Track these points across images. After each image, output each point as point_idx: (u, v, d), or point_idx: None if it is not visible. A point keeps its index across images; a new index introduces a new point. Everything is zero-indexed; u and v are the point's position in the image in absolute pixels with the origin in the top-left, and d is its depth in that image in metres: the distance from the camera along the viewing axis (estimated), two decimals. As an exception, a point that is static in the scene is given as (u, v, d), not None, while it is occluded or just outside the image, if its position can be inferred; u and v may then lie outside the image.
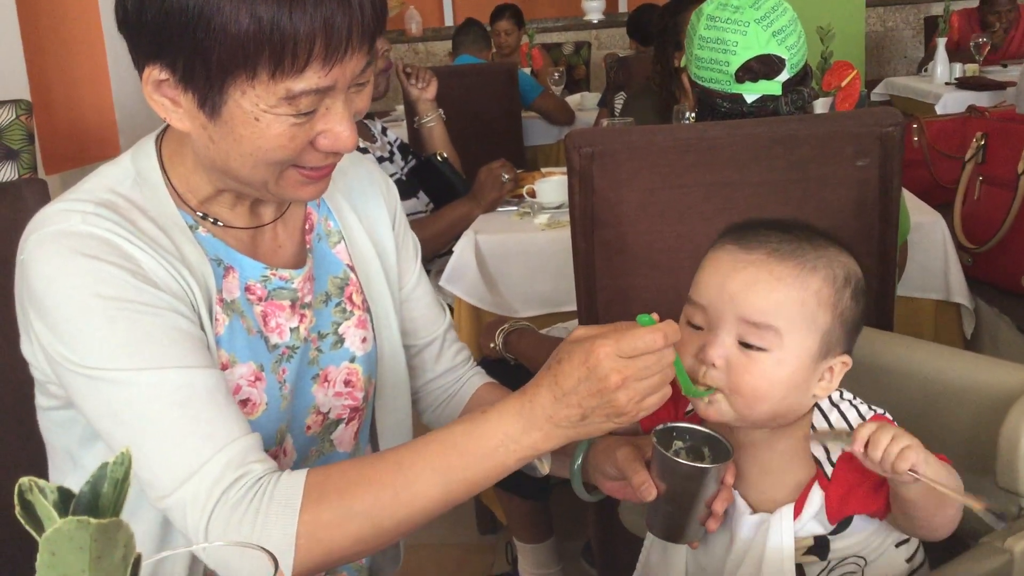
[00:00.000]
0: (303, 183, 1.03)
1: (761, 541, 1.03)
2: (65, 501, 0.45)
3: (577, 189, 1.53)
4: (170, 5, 0.91)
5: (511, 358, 2.05)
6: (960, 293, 2.31)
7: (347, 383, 1.18)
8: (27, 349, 1.05)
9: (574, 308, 1.64)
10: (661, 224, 1.56)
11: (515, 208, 2.67)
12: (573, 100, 5.15)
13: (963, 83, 4.70)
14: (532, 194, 2.64)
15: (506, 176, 2.66)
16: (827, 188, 1.53)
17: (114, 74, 5.37)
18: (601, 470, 1.11)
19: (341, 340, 1.18)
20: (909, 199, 2.30)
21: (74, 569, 0.43)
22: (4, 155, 3.01)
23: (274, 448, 1.11)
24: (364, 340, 1.20)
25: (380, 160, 2.71)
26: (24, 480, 0.45)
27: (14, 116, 3.00)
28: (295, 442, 1.15)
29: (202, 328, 1.02)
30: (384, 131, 2.90)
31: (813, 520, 1.03)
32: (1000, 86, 4.53)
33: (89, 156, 5.34)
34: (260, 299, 1.11)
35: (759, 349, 0.99)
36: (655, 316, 0.93)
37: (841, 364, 1.04)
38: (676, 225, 1.56)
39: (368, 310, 1.21)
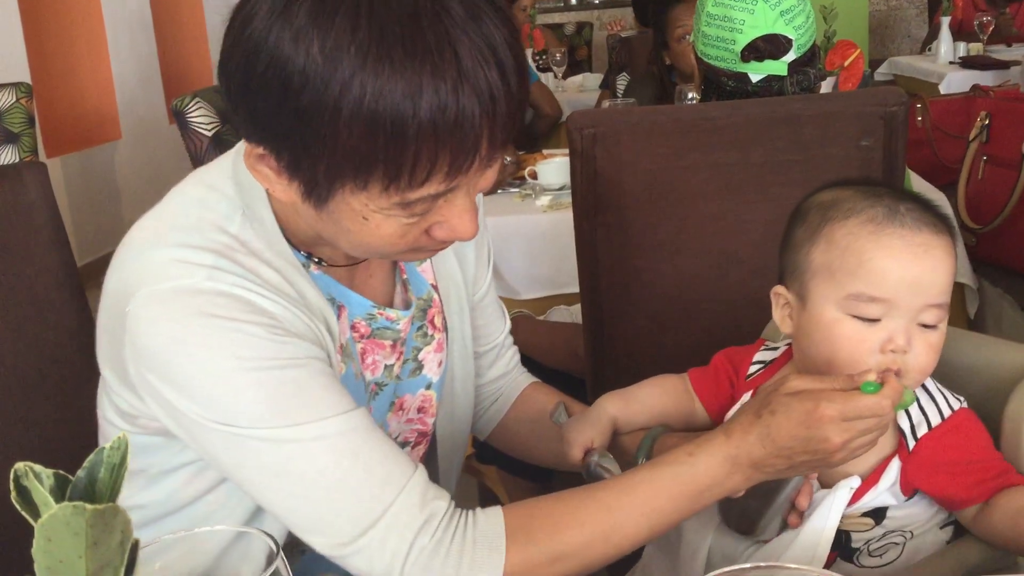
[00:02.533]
0: (418, 253, 0.97)
1: (813, 511, 1.02)
2: (61, 487, 0.44)
3: (579, 170, 1.53)
4: (279, 100, 0.82)
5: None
6: (964, 273, 2.31)
7: (420, 409, 1.15)
8: (118, 392, 0.99)
9: (576, 290, 1.64)
10: (664, 205, 1.56)
11: (516, 190, 2.66)
12: (575, 81, 5.13)
13: (967, 62, 4.67)
14: (533, 176, 2.62)
15: (507, 158, 2.64)
16: (831, 168, 1.53)
17: (114, 57, 5.35)
18: None
19: (420, 367, 1.13)
20: (914, 179, 2.29)
21: (70, 554, 0.43)
22: (4, 138, 3.00)
23: None
24: (440, 364, 1.15)
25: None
26: (20, 465, 0.45)
27: (14, 99, 2.99)
28: None
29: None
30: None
31: (887, 492, 1.02)
32: (1004, 65, 4.50)
33: (90, 139, 5.33)
34: (363, 336, 1.06)
35: (932, 326, 0.98)
36: (874, 378, 0.92)
37: None
38: (679, 206, 1.56)
39: (446, 329, 1.16)
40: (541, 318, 2.17)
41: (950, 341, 1.22)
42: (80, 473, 0.45)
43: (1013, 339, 1.22)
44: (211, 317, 0.89)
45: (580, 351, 1.71)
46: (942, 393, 1.04)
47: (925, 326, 0.98)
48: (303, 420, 0.90)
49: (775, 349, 1.15)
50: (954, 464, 1.00)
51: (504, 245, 2.42)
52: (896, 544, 1.04)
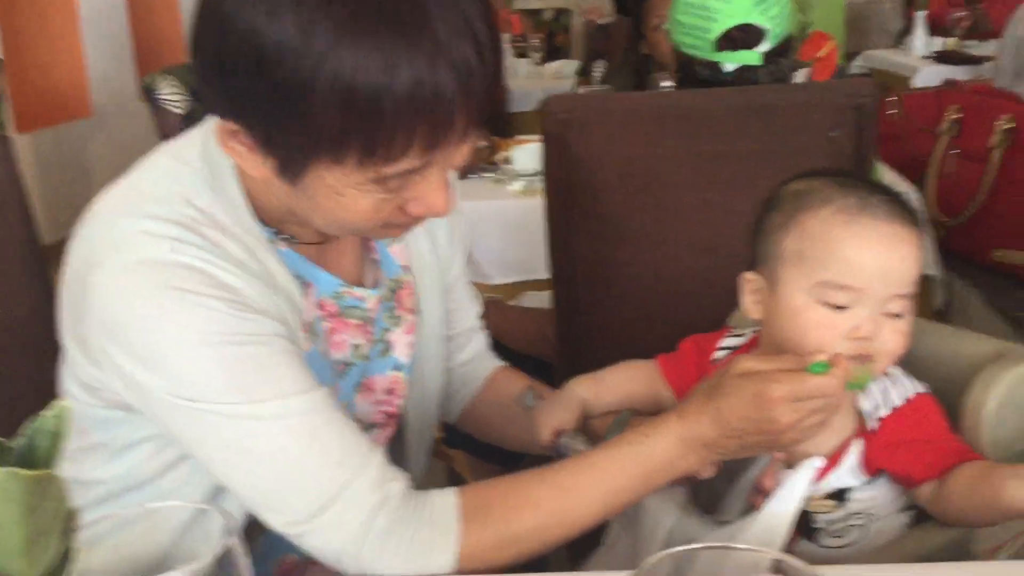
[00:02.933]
0: (391, 230, 0.97)
1: (773, 493, 1.02)
2: (2, 453, 0.44)
3: (552, 156, 1.53)
4: (253, 74, 0.81)
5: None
6: (931, 265, 2.33)
7: (389, 391, 1.14)
8: (80, 363, 0.97)
9: (547, 276, 1.64)
10: (636, 192, 1.56)
11: (490, 175, 2.66)
12: (552, 67, 5.12)
13: (942, 57, 4.71)
14: (507, 161, 2.62)
15: (481, 143, 2.64)
16: (802, 157, 1.53)
17: (86, 33, 5.29)
18: None
19: (389, 348, 1.12)
20: (884, 172, 2.31)
21: (7, 520, 0.42)
22: (-27, 113, 2.96)
23: None
24: (410, 346, 1.15)
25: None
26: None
27: (-17, 74, 2.95)
28: None
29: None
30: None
31: (848, 473, 1.04)
32: (978, 60, 4.54)
33: (61, 116, 5.27)
34: (331, 315, 1.05)
35: (898, 315, 1.00)
36: (825, 359, 0.93)
37: None
38: (651, 193, 1.56)
39: (417, 311, 1.15)
40: (512, 303, 2.18)
41: (915, 332, 1.24)
42: (19, 439, 0.45)
43: (979, 331, 1.24)
44: (174, 290, 0.89)
45: (550, 336, 1.72)
46: (903, 378, 1.06)
47: (891, 315, 0.99)
48: (263, 397, 0.90)
49: (741, 336, 1.16)
50: (914, 442, 1.02)
51: (477, 230, 2.41)
52: (857, 526, 1.06)
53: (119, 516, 0.61)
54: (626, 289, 1.60)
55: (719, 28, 1.66)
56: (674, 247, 1.58)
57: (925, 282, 2.37)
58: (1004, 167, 2.35)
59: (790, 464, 1.03)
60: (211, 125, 0.95)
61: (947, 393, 1.13)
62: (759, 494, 1.02)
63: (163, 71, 2.19)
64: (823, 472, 1.02)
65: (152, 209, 0.92)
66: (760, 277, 1.05)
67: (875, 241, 0.98)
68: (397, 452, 1.21)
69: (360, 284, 1.09)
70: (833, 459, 1.03)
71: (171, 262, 0.89)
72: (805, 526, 1.04)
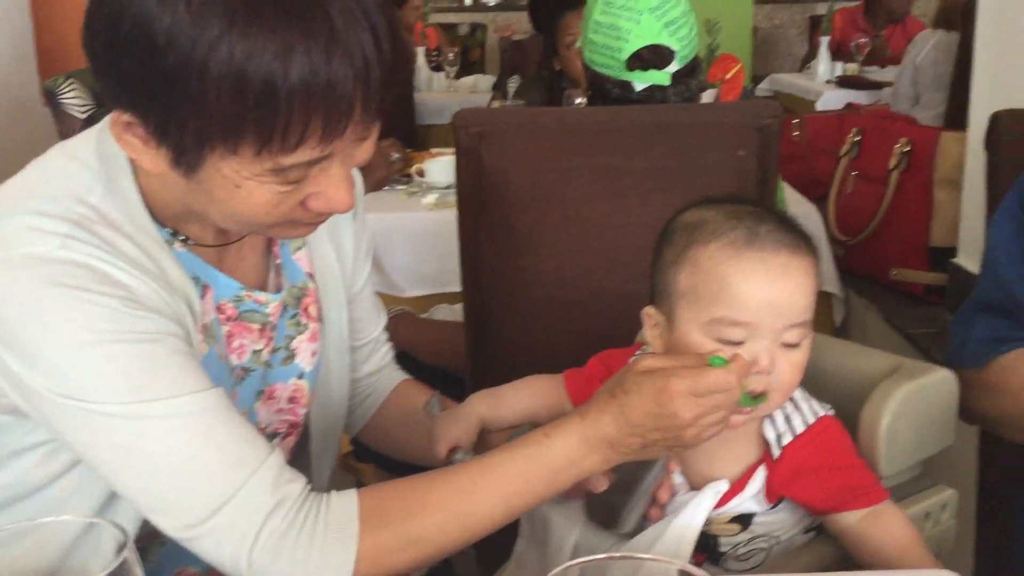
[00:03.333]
0: (294, 228, 0.95)
1: (679, 513, 1.03)
2: None
3: (464, 168, 1.53)
4: (145, 60, 0.79)
5: (395, 347, 2.03)
6: (831, 283, 2.40)
7: (291, 399, 1.12)
8: None
9: (459, 288, 1.64)
10: (546, 206, 1.57)
11: (403, 187, 2.65)
12: (467, 82, 5.13)
13: (843, 81, 4.87)
14: (421, 174, 2.62)
15: (395, 155, 2.63)
16: (708, 175, 1.57)
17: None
18: None
19: (292, 355, 1.11)
20: (787, 192, 2.37)
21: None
22: None
23: None
24: (314, 354, 1.13)
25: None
26: None
27: None
28: None
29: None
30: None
31: (751, 500, 1.04)
32: (877, 86, 4.71)
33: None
34: (229, 319, 1.03)
35: (795, 345, 0.99)
36: (725, 355, 0.94)
37: None
38: (561, 207, 1.57)
39: (321, 319, 1.14)
40: (424, 316, 2.17)
41: (815, 347, 1.27)
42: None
43: (876, 347, 1.28)
44: (63, 287, 0.86)
45: (462, 350, 1.72)
46: (807, 402, 1.07)
47: (788, 345, 0.99)
48: (155, 396, 0.88)
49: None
50: (815, 470, 1.03)
51: (389, 242, 2.40)
52: (762, 549, 1.07)
53: (5, 530, 0.58)
54: (534, 301, 1.61)
55: (629, 48, 1.68)
56: (581, 259, 1.59)
57: (825, 299, 2.43)
58: (901, 189, 2.44)
59: (695, 487, 1.04)
60: (107, 123, 0.92)
61: (846, 407, 1.16)
62: (655, 505, 1.02)
63: (66, 75, 2.13)
64: (727, 497, 1.03)
65: (41, 206, 0.89)
66: (659, 312, 1.05)
67: (762, 275, 0.97)
68: (301, 463, 1.18)
69: (263, 289, 1.08)
70: (737, 485, 1.04)
71: (61, 259, 0.87)
72: (711, 550, 1.05)
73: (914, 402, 1.12)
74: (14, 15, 5.52)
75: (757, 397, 0.99)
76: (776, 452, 1.04)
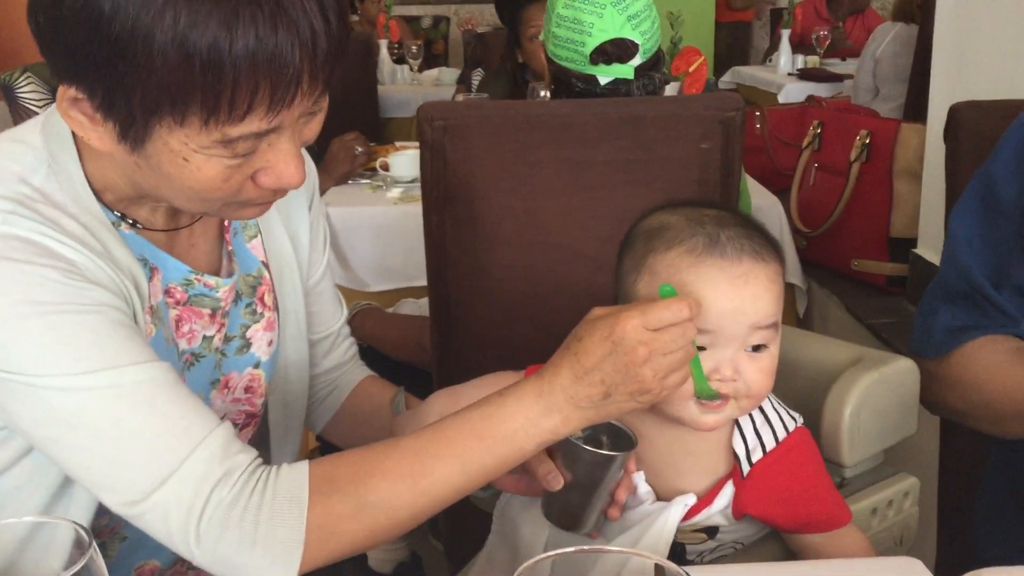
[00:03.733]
0: (244, 209, 0.94)
1: (649, 525, 1.02)
2: None
3: (429, 162, 1.52)
4: (91, 30, 0.79)
5: (361, 342, 2.02)
6: (794, 274, 2.42)
7: (247, 389, 1.11)
8: None
9: (425, 283, 1.64)
10: (512, 199, 1.57)
11: (367, 181, 2.64)
12: (431, 75, 5.12)
13: (804, 74, 4.91)
14: (385, 167, 2.61)
15: (359, 148, 2.62)
16: (672, 168, 1.57)
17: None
18: None
19: (247, 344, 1.10)
20: (750, 184, 2.39)
21: None
22: None
23: None
24: (270, 343, 1.12)
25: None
26: None
27: None
28: None
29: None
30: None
31: (719, 513, 1.03)
32: (838, 78, 4.76)
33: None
34: (178, 303, 1.02)
35: (763, 347, 0.98)
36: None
37: None
38: (527, 200, 1.57)
39: (277, 309, 1.13)
40: (390, 311, 2.16)
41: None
42: None
43: (839, 337, 1.29)
44: (3, 260, 0.86)
45: (428, 344, 1.71)
46: (777, 412, 1.06)
47: (755, 349, 0.97)
48: (97, 367, 0.87)
49: None
50: (783, 491, 1.02)
51: (354, 236, 2.39)
52: (727, 556, 1.07)
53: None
54: (500, 295, 1.61)
55: (593, 42, 1.69)
56: (547, 252, 1.59)
57: (788, 290, 2.46)
58: (862, 180, 2.46)
59: (663, 498, 1.04)
60: (54, 108, 0.92)
61: (809, 397, 1.18)
62: (615, 505, 1.01)
63: (22, 68, 2.09)
64: (694, 510, 1.03)
65: None
66: None
67: (723, 283, 0.95)
68: (261, 456, 1.18)
69: (215, 275, 1.07)
70: (705, 499, 1.03)
71: (2, 233, 0.87)
72: (678, 558, 1.05)
73: (876, 392, 1.14)
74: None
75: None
76: (745, 468, 1.03)
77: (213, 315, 1.05)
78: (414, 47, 5.12)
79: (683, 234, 0.98)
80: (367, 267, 2.40)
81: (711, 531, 1.05)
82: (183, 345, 1.03)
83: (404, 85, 4.92)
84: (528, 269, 1.60)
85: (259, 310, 1.11)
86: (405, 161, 2.58)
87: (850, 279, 2.52)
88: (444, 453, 0.91)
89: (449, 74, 5.08)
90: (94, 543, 0.54)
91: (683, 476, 1.04)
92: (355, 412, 1.26)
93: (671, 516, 1.01)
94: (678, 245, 0.98)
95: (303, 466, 0.91)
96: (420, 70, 5.13)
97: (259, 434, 1.18)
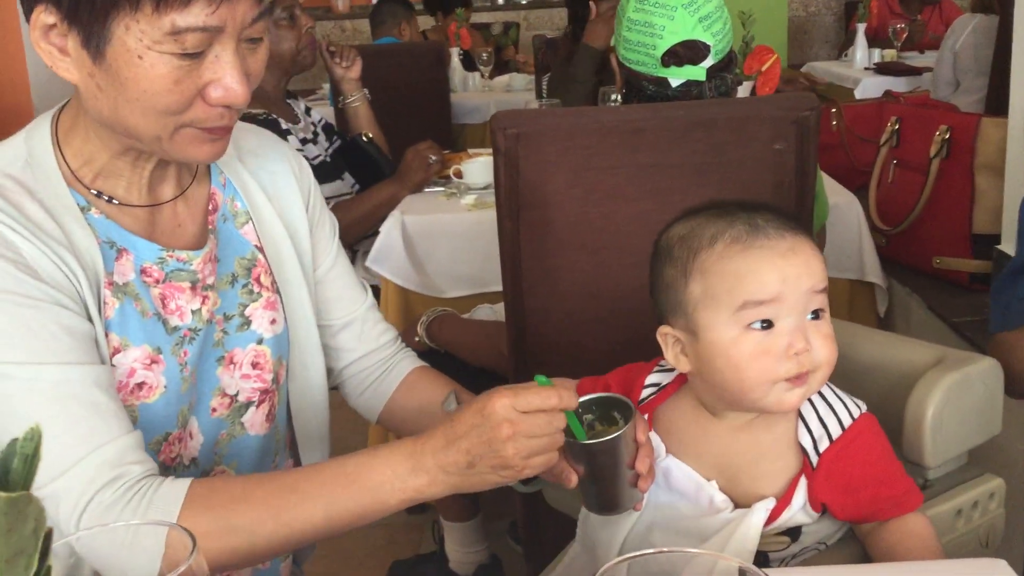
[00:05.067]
0: (198, 140, 1.01)
1: (728, 534, 1.02)
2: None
3: (502, 170, 1.54)
4: None
5: (438, 348, 2.05)
6: (874, 273, 2.38)
7: (255, 365, 1.17)
8: None
9: (500, 288, 1.66)
10: (585, 205, 1.58)
11: (441, 189, 2.67)
12: (501, 81, 5.15)
13: (881, 68, 4.82)
14: (458, 175, 2.64)
15: (432, 157, 2.65)
16: (745, 170, 1.57)
17: (29, 48, 5.21)
18: None
19: (248, 322, 1.17)
20: (826, 182, 2.36)
21: (-17, 542, 0.43)
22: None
23: (178, 431, 1.10)
24: (273, 322, 1.18)
25: (304, 141, 2.68)
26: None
27: (-78, 91, 2.90)
28: (200, 425, 1.13)
29: (88, 316, 1.01)
30: (308, 111, 2.87)
31: (800, 512, 1.04)
32: (917, 72, 4.65)
33: (2, 132, 5.19)
34: (157, 281, 1.09)
35: (822, 313, 1.01)
36: (553, 381, 0.97)
37: None
38: (600, 206, 1.58)
39: (278, 291, 1.19)
40: (465, 316, 2.19)
41: (859, 339, 1.27)
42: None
43: (920, 337, 1.28)
44: None
45: (504, 349, 1.73)
46: (841, 401, 1.06)
47: (815, 317, 1.00)
48: (23, 360, 0.94)
49: (670, 371, 1.14)
50: (853, 480, 1.02)
51: (429, 243, 2.43)
52: (809, 560, 1.06)
53: None
54: (574, 300, 1.62)
55: (664, 45, 1.69)
56: (620, 257, 1.60)
57: (868, 289, 2.42)
58: (942, 176, 2.41)
59: (742, 506, 1.04)
60: (39, 119, 1.06)
61: (891, 399, 1.17)
62: (643, 478, 1.02)
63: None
64: (776, 513, 1.03)
65: None
66: (676, 329, 1.05)
67: (777, 256, 0.99)
68: (291, 446, 1.25)
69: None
70: (785, 498, 1.03)
71: None
72: (759, 564, 1.03)
73: (959, 392, 1.12)
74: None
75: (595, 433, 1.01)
76: (814, 460, 1.03)
77: (194, 288, 1.11)
78: (484, 54, 5.16)
79: (720, 227, 1.02)
80: (442, 273, 2.43)
81: (794, 534, 1.05)
82: (175, 321, 1.09)
83: (475, 92, 4.97)
84: (602, 274, 1.61)
85: (256, 290, 1.18)
86: (478, 168, 2.60)
87: (932, 277, 2.47)
88: (312, 493, 0.98)
89: (519, 80, 5.11)
90: (196, 544, 0.57)
91: (757, 481, 1.05)
92: (405, 406, 1.30)
93: (754, 522, 1.01)
94: (722, 238, 1.01)
95: (184, 483, 0.97)
96: (491, 77, 5.17)
97: (283, 414, 1.23)
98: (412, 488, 0.97)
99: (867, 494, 1.02)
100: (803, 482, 1.03)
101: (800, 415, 1.05)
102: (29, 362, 0.94)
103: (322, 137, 2.84)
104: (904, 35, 5.11)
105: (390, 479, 0.97)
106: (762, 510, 1.02)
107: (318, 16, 6.33)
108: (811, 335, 0.99)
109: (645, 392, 1.14)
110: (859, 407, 1.06)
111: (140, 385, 1.05)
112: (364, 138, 2.86)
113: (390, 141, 3.00)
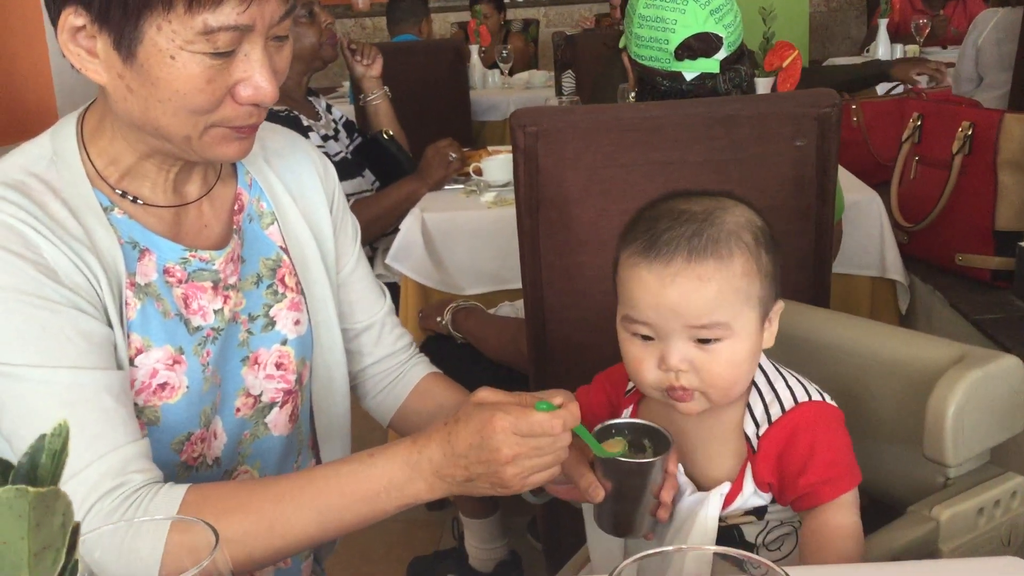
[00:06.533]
0: (227, 139, 1.01)
1: (694, 516, 1.05)
2: (3, 472, 0.45)
3: (522, 167, 1.54)
4: None
5: (459, 336, 2.06)
6: (895, 270, 2.37)
7: (279, 366, 1.17)
8: None
9: (519, 285, 1.66)
10: (605, 202, 1.58)
11: (461, 186, 2.68)
12: (521, 78, 5.15)
13: (904, 64, 4.77)
14: (478, 172, 2.64)
15: (453, 155, 2.66)
16: (765, 167, 1.56)
17: (53, 47, 5.25)
18: None
19: (272, 323, 1.17)
20: (846, 177, 2.35)
21: (13, 536, 0.44)
22: (-61, 130, 2.94)
23: (200, 431, 1.10)
24: (297, 323, 1.19)
25: (325, 138, 2.69)
26: (-40, 455, 0.46)
27: (-51, 91, 2.93)
28: (224, 425, 1.14)
29: (107, 319, 1.01)
30: (329, 108, 2.89)
31: (753, 495, 1.06)
32: (939, 67, 4.61)
33: (26, 131, 5.23)
34: (180, 281, 1.09)
35: (715, 340, 1.01)
36: (557, 401, 0.96)
37: (776, 311, 1.07)
38: (619, 203, 1.58)
39: (302, 292, 1.20)
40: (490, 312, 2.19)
41: (879, 337, 1.27)
42: (22, 458, 0.47)
43: (942, 334, 1.27)
44: None
45: (523, 347, 1.73)
46: (790, 389, 1.07)
47: (704, 341, 1.01)
48: (36, 362, 0.94)
49: None
50: (787, 464, 1.04)
51: (449, 241, 2.43)
52: (789, 535, 1.08)
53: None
54: (591, 297, 1.62)
55: (676, 39, 1.69)
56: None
57: (890, 287, 2.41)
58: (964, 173, 2.39)
59: (702, 487, 1.07)
60: (64, 119, 1.07)
61: (911, 396, 1.16)
62: (662, 507, 1.04)
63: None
64: (731, 496, 1.05)
65: None
66: None
67: (651, 282, 1.01)
68: (313, 445, 1.26)
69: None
70: (736, 483, 1.06)
71: None
72: (740, 542, 1.07)
73: (981, 390, 1.11)
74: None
75: (609, 449, 1.01)
76: (755, 444, 1.06)
77: (215, 287, 1.11)
78: (504, 51, 5.16)
79: (636, 233, 1.04)
80: (462, 271, 2.43)
81: (759, 513, 1.07)
82: (197, 321, 1.10)
83: (495, 89, 4.97)
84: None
85: (280, 291, 1.18)
86: (498, 165, 2.61)
87: (954, 274, 2.45)
88: (306, 504, 0.98)
89: (539, 77, 5.11)
90: (220, 540, 0.58)
91: (713, 462, 1.08)
92: (419, 410, 1.31)
93: (711, 507, 1.04)
94: (628, 246, 1.04)
95: (179, 491, 0.97)
96: (510, 74, 5.16)
97: (306, 414, 1.24)
98: (410, 495, 0.98)
99: (802, 480, 1.03)
100: (749, 467, 1.06)
101: (748, 404, 1.08)
102: (42, 364, 0.95)
103: (343, 134, 2.85)
104: (927, 30, 5.06)
105: (386, 488, 0.97)
106: (717, 495, 1.05)
107: (338, 14, 6.36)
108: (696, 358, 1.01)
109: (631, 384, 1.17)
110: (809, 395, 1.07)
111: (162, 385, 1.06)
112: (385, 135, 2.87)
113: (410, 138, 3.01)
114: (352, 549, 1.32)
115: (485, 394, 0.98)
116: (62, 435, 0.47)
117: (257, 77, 0.97)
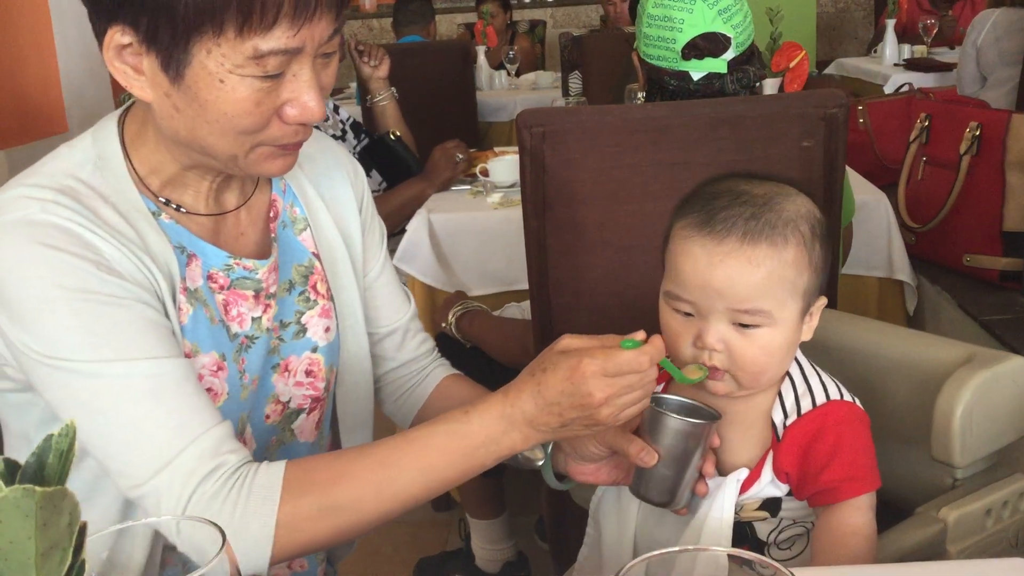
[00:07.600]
0: (272, 156, 1.01)
1: (709, 503, 1.06)
2: (11, 471, 0.46)
3: (528, 168, 1.54)
4: None
5: (463, 341, 2.05)
6: (903, 271, 2.37)
7: (308, 373, 1.17)
8: None
9: (526, 287, 1.66)
10: (611, 203, 1.58)
11: (468, 187, 2.68)
12: (528, 79, 5.15)
13: (911, 64, 4.77)
14: (485, 173, 2.65)
15: (459, 155, 2.66)
16: (772, 168, 1.56)
17: (61, 50, 5.27)
18: (580, 453, 1.11)
19: (304, 330, 1.16)
20: (854, 178, 2.34)
21: (20, 535, 0.44)
22: (-53, 132, 2.94)
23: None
24: (327, 330, 1.18)
25: (333, 139, 2.70)
26: (-32, 454, 0.46)
27: (-43, 92, 2.94)
28: (254, 431, 1.14)
29: (167, 317, 1.01)
30: (336, 109, 2.89)
31: (770, 484, 1.06)
32: (947, 67, 4.60)
33: (35, 132, 5.24)
34: (222, 288, 1.09)
35: (754, 327, 1.01)
36: (640, 337, 0.96)
37: (819, 306, 1.07)
38: (626, 204, 1.58)
39: (332, 299, 1.19)
40: (495, 314, 2.19)
41: (887, 337, 1.26)
42: (30, 458, 0.47)
43: (950, 335, 1.27)
44: (41, 246, 0.94)
45: (530, 348, 1.73)
46: (823, 385, 1.08)
47: (743, 325, 1.01)
48: (113, 357, 0.94)
49: None
50: (811, 457, 1.04)
51: (456, 242, 2.43)
52: (800, 535, 1.08)
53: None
54: (598, 298, 1.62)
55: (684, 38, 1.68)
56: (646, 255, 1.59)
57: (897, 287, 2.40)
58: (972, 173, 2.39)
59: (723, 473, 1.07)
60: (105, 119, 1.05)
61: (919, 397, 1.16)
62: (701, 480, 1.05)
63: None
64: (748, 483, 1.06)
65: (36, 180, 0.99)
66: None
67: (701, 258, 1.01)
68: (332, 445, 1.26)
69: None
70: (755, 470, 1.06)
71: (41, 221, 0.95)
72: (751, 539, 1.07)
73: (988, 391, 1.11)
74: (87, 32, 5.69)
75: (691, 376, 1.02)
76: (780, 433, 1.06)
77: (257, 296, 1.11)
78: (511, 52, 5.16)
79: (694, 207, 1.04)
80: (469, 271, 2.44)
81: (772, 507, 1.07)
82: (235, 328, 1.10)
83: (502, 90, 4.97)
84: (627, 272, 1.61)
85: (312, 297, 1.17)
86: (504, 166, 2.61)
87: (962, 275, 2.44)
88: (409, 465, 0.99)
89: (545, 77, 5.11)
90: (228, 542, 0.58)
91: (733, 451, 1.08)
92: (442, 410, 1.30)
93: (727, 492, 1.05)
94: (683, 218, 1.04)
95: (280, 466, 0.98)
96: (517, 74, 5.17)
97: (328, 420, 1.24)
98: (507, 447, 0.99)
99: (824, 476, 1.04)
100: (771, 455, 1.06)
101: (779, 392, 1.08)
102: (119, 359, 0.94)
103: (350, 135, 2.86)
104: (934, 31, 5.05)
105: (484, 443, 0.99)
106: (733, 481, 1.05)
107: (345, 15, 6.35)
108: (732, 339, 1.02)
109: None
110: (841, 394, 1.08)
111: (208, 391, 1.05)
112: (392, 136, 2.88)
113: (416, 139, 3.01)
114: (359, 550, 1.33)
115: (568, 341, 0.98)
116: (69, 435, 0.47)
117: (305, 97, 0.96)
